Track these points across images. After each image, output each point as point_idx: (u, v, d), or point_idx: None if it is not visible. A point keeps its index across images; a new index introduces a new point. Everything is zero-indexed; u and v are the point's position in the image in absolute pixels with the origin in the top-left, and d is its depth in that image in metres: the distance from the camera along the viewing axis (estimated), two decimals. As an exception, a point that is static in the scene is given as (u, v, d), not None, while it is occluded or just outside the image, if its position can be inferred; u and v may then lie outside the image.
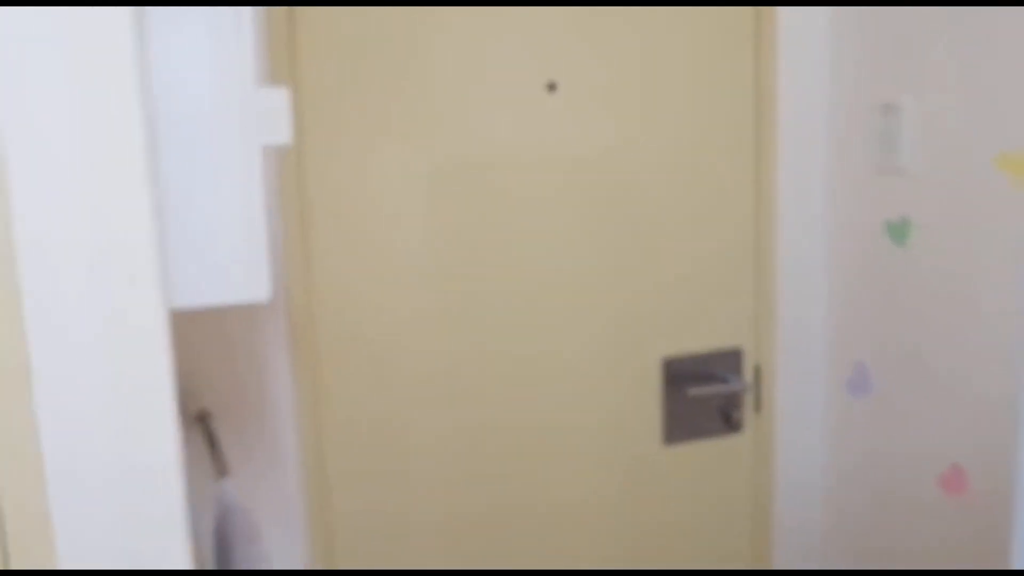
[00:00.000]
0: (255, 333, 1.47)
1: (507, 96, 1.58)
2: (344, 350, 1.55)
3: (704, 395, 1.76)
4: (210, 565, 1.36)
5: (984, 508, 1.58)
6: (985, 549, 1.58)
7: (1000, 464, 1.54)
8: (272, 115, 0.97)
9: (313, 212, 1.50)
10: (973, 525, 1.61)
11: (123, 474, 0.78)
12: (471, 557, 1.68)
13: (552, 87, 1.60)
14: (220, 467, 1.29)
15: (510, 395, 1.66)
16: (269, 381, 1.49)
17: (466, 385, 1.63)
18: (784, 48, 1.77)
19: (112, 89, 0.74)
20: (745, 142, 1.75)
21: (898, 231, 1.70)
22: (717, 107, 1.72)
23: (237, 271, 0.94)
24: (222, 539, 1.25)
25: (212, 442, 1.34)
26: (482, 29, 1.54)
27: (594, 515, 1.75)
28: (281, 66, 1.43)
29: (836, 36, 1.78)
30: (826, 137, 1.83)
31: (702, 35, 1.69)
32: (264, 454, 1.51)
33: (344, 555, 1.60)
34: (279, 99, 0.96)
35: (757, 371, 1.83)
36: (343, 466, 1.57)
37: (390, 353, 1.59)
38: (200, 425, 1.41)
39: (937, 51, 1.57)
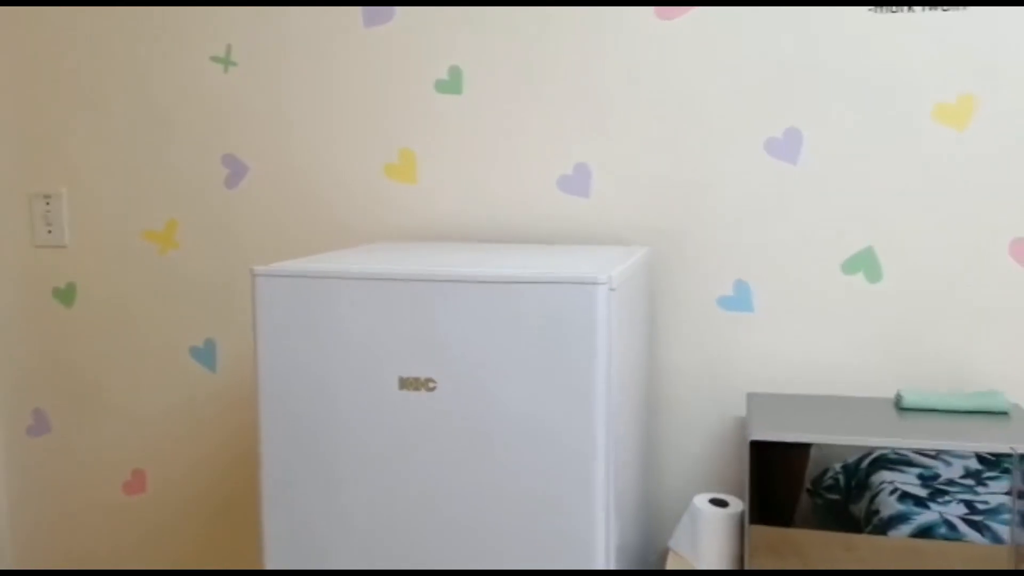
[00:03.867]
0: None
1: None
2: None
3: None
4: None
5: (162, 499, 2.10)
6: (173, 533, 2.10)
7: (172, 462, 2.07)
8: None
9: None
10: (155, 515, 2.10)
11: None
12: None
13: None
14: None
15: None
16: None
17: None
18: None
19: None
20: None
21: (65, 295, 2.09)
22: None
23: None
24: None
25: None
26: None
27: None
28: None
29: (-14, 134, 2.08)
30: (-14, 220, 2.11)
31: None
32: None
33: None
34: None
35: (-51, 433, 1.98)
36: None
37: None
38: None
39: (85, 150, 2.03)
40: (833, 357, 1.70)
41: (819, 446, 1.41)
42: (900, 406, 1.57)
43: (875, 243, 1.67)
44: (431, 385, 1.33)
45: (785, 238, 1.71)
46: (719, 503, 1.61)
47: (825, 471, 1.42)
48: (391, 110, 1.86)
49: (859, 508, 1.41)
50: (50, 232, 2.07)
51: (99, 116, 2.01)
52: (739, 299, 1.74)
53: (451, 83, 1.82)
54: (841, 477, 1.41)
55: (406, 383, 1.33)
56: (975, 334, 1.64)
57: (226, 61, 1.93)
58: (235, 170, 1.96)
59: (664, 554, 1.81)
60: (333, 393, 1.37)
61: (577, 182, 1.79)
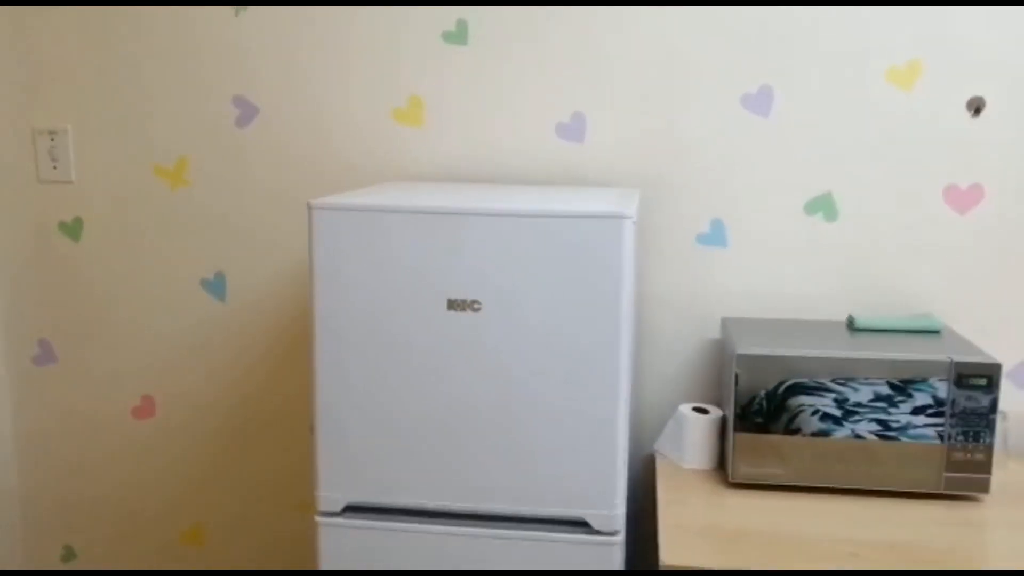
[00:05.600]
0: None
1: None
2: None
3: None
4: None
5: (170, 423, 2.23)
6: (182, 454, 2.23)
7: (181, 390, 2.20)
8: None
9: None
10: (164, 438, 2.23)
11: None
12: None
13: None
14: None
15: None
16: None
17: None
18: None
19: None
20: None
21: (71, 229, 2.17)
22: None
23: None
24: None
25: None
26: None
27: None
28: None
29: (-11, 70, 2.12)
30: (-10, 155, 2.16)
31: None
32: None
33: None
34: None
35: None
36: None
37: None
38: None
39: (91, 88, 2.10)
40: (796, 286, 1.97)
41: (750, 370, 1.67)
42: (852, 327, 1.85)
43: (833, 188, 1.93)
44: (476, 306, 1.52)
45: (756, 182, 1.95)
46: (700, 411, 1.86)
47: (753, 398, 1.68)
48: (401, 58, 2.00)
49: (778, 427, 1.68)
50: (55, 168, 2.14)
51: (106, 56, 2.08)
52: (715, 236, 1.98)
53: (458, 34, 1.98)
54: (764, 403, 1.68)
55: (454, 304, 1.52)
56: (914, 266, 1.93)
57: (238, 5, 2.03)
58: (245, 111, 2.07)
59: (648, 457, 2.06)
60: (387, 315, 1.54)
61: (573, 129, 1.98)
